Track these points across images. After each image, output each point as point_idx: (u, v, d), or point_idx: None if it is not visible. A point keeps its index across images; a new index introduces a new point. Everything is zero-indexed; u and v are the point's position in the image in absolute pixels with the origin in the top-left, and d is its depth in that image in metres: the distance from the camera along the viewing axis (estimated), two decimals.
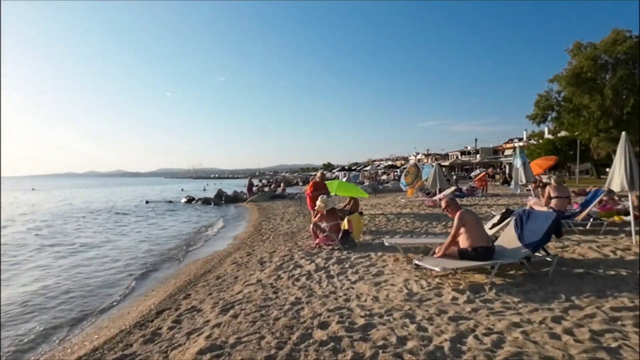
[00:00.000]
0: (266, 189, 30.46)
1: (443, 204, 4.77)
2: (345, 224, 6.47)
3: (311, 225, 7.14)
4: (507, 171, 37.37)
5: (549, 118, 29.53)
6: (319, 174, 8.72)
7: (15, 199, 36.67)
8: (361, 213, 11.37)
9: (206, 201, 24.12)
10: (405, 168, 16.35)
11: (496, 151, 65.08)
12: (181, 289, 5.27)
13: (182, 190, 42.12)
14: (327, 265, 5.49)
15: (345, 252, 6.27)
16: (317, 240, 6.85)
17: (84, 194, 44.24)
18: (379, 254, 6.02)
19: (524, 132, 59.57)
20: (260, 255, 6.88)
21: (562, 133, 32.35)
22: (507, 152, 62.47)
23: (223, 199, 24.07)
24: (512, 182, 10.64)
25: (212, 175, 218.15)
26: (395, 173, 43.59)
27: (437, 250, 4.65)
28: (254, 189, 26.32)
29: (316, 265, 5.53)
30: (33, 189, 61.17)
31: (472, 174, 39.33)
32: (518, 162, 10.20)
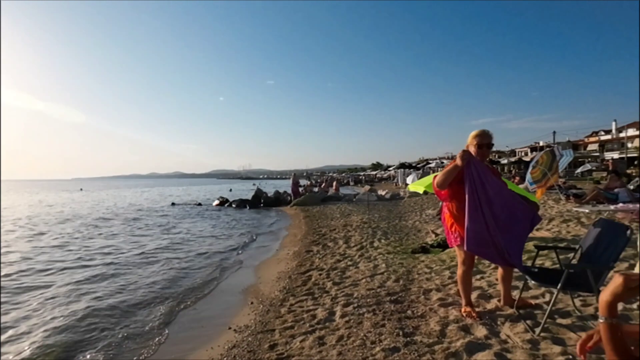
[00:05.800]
0: (315, 189, 25.26)
1: None
2: None
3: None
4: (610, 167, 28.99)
5: None
6: (474, 133, 3.09)
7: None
8: None
9: (241, 204, 19.30)
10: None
11: (576, 146, 53.73)
12: None
13: (230, 191, 40.42)
14: None
15: None
16: None
17: (121, 194, 42.43)
18: None
19: (613, 123, 48.99)
20: None
21: None
22: (590, 147, 51.68)
23: (262, 201, 19.15)
24: None
25: (260, 176, 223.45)
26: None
27: None
28: (301, 189, 21.03)
29: None
30: (81, 189, 62.06)
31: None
32: None
